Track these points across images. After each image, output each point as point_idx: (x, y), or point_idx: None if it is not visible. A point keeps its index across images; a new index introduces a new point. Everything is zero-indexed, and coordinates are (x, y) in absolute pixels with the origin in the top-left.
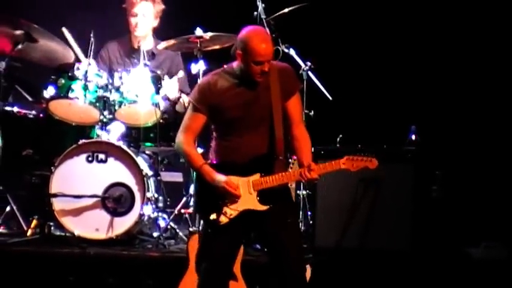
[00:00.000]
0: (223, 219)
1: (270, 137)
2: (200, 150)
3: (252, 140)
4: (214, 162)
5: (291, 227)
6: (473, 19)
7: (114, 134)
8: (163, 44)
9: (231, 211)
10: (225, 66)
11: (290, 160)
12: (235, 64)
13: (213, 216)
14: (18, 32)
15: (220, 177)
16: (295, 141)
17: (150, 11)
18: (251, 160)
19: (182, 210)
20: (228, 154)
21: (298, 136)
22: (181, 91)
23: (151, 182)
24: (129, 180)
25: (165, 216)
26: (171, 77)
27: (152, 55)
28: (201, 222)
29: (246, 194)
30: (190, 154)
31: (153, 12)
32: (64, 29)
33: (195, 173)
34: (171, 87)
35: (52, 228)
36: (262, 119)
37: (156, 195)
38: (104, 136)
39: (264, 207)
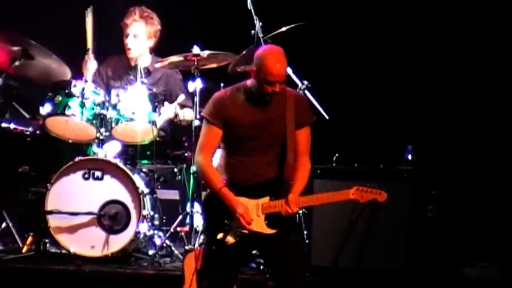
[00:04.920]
0: (230, 239)
1: (280, 161)
2: None
3: (263, 162)
4: (223, 180)
5: (294, 245)
6: (469, 40)
7: (110, 151)
8: (160, 64)
9: (237, 233)
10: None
11: None
12: (249, 82)
13: (220, 236)
14: (15, 48)
15: (238, 207)
16: (295, 169)
17: (142, 32)
18: (261, 182)
19: (178, 228)
20: (236, 173)
21: (299, 166)
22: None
23: (147, 200)
24: (125, 197)
25: (160, 234)
26: (169, 95)
27: (148, 72)
28: (203, 240)
29: (254, 216)
30: (211, 176)
31: (145, 32)
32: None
33: (205, 192)
34: (169, 111)
35: (48, 245)
36: (275, 143)
37: (152, 213)
38: (101, 153)
39: (271, 231)
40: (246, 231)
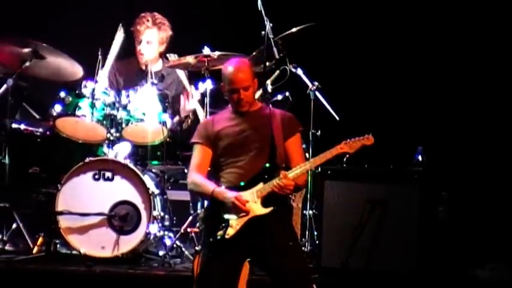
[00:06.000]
0: (230, 232)
1: (271, 154)
2: None
3: (253, 164)
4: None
5: (292, 251)
6: (480, 43)
7: (121, 152)
8: (171, 58)
9: (237, 221)
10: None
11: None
12: None
13: (220, 233)
14: (26, 50)
15: (231, 194)
16: (286, 158)
17: (155, 38)
18: (253, 176)
19: (188, 229)
20: (232, 177)
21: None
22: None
23: (157, 201)
24: (136, 198)
25: (171, 234)
26: (177, 101)
27: (162, 77)
28: (200, 250)
29: (251, 203)
30: (201, 183)
31: (158, 38)
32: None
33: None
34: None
35: (58, 246)
36: (262, 147)
37: (162, 214)
38: (111, 154)
39: (267, 210)
40: (245, 218)
